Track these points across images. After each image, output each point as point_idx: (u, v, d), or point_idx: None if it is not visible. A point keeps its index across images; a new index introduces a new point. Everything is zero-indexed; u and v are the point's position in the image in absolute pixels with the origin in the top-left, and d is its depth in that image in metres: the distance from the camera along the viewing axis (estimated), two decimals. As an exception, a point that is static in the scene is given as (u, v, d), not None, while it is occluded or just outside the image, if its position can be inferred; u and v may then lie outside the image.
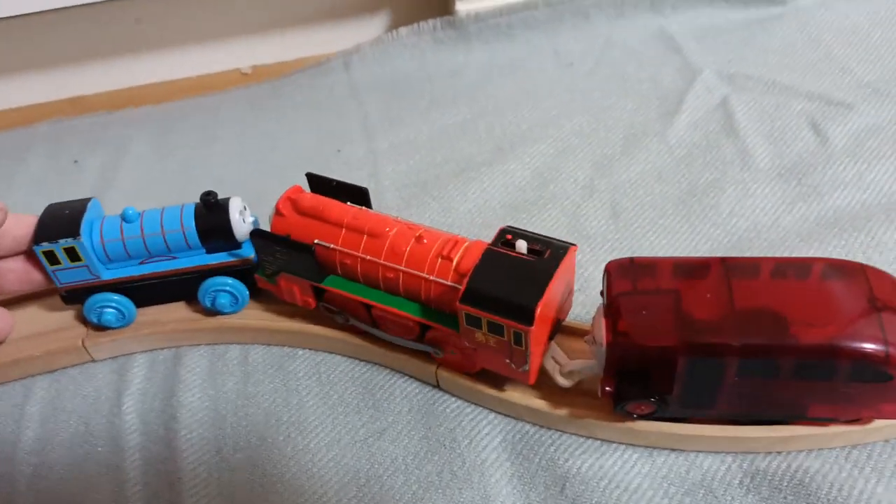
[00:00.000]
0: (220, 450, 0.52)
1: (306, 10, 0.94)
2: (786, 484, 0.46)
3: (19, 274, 0.55)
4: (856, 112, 0.73)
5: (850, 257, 0.58)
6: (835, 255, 0.59)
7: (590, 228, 0.65)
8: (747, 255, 0.60)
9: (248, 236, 0.55)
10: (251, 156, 0.80)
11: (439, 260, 0.49)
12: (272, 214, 0.54)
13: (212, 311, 0.57)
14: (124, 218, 0.54)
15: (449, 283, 0.48)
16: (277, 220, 0.54)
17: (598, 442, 0.49)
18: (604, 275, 0.47)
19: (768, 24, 0.89)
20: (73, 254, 0.53)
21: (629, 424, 0.48)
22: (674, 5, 0.91)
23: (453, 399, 0.53)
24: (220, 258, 0.56)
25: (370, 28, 0.97)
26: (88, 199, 0.55)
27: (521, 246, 0.47)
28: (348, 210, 0.52)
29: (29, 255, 0.54)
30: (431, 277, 0.49)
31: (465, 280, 0.46)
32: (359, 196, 0.55)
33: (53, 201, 0.56)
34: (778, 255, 0.60)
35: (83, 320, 0.58)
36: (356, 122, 0.82)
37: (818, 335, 0.41)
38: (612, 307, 0.45)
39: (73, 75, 0.92)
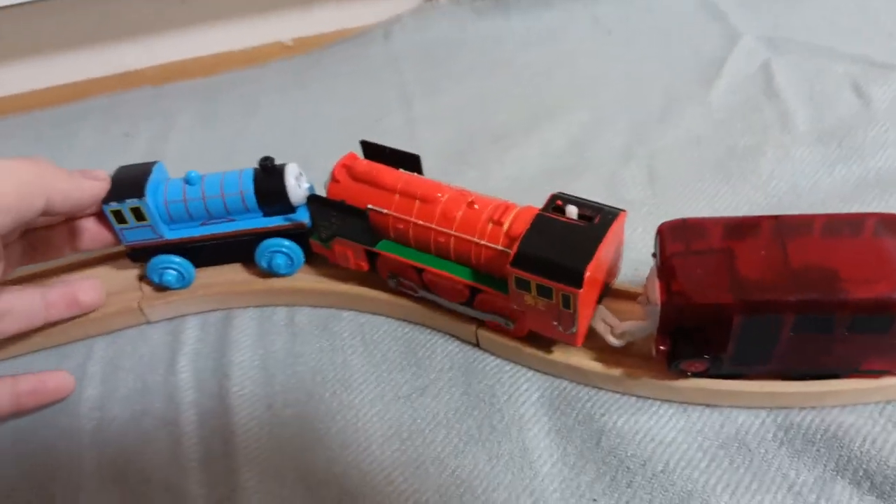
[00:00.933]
0: (271, 405, 0.54)
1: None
2: (819, 437, 0.46)
3: (92, 233, 0.58)
4: (899, 73, 0.73)
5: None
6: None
7: (627, 194, 0.66)
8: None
9: (303, 201, 0.57)
10: (293, 125, 0.81)
11: (490, 225, 0.50)
12: (328, 181, 0.56)
13: (266, 273, 0.60)
14: (187, 181, 0.57)
15: (499, 248, 0.50)
16: (333, 186, 0.56)
17: (634, 398, 0.51)
18: (656, 236, 0.48)
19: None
20: (138, 213, 0.56)
21: (664, 381, 0.49)
22: (713, -30, 0.90)
23: (492, 358, 0.55)
24: (276, 221, 0.58)
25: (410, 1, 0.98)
26: (154, 163, 0.58)
27: (572, 211, 0.48)
28: (401, 176, 0.54)
29: (100, 214, 0.57)
30: (482, 242, 0.50)
31: (516, 244, 0.47)
32: (411, 163, 0.56)
33: (109, 170, 0.59)
34: (817, 216, 0.60)
35: (141, 284, 0.61)
36: (395, 91, 0.83)
37: (872, 290, 0.42)
38: (665, 268, 0.46)
39: (123, 51, 0.95)
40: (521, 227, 0.48)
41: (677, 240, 0.46)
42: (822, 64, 0.76)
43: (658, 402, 0.50)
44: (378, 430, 0.51)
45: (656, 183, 0.66)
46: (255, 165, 0.57)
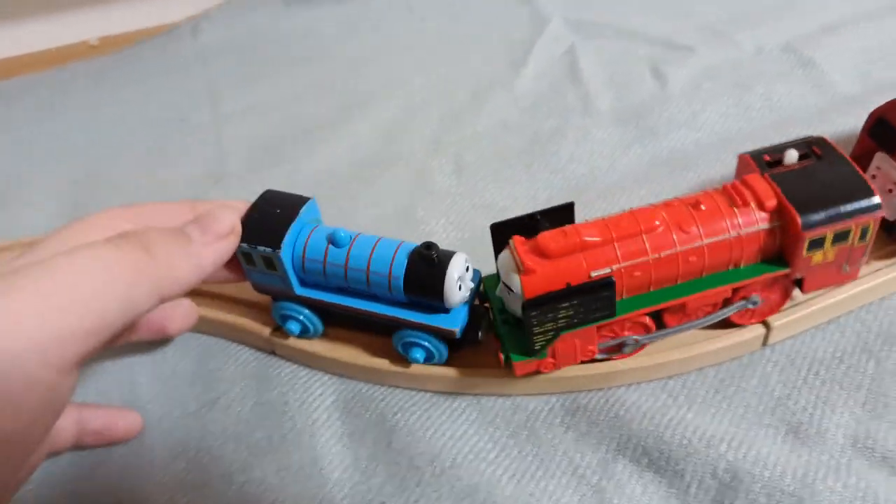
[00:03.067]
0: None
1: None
2: (603, 418, 0.47)
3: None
4: (695, 54, 0.75)
5: (677, 194, 0.59)
6: (665, 194, 0.60)
7: (434, 184, 0.65)
8: (584, 199, 0.61)
9: (460, 304, 0.47)
10: (95, 130, 0.77)
11: (736, 213, 0.44)
12: (518, 278, 0.43)
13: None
14: (333, 241, 0.47)
15: (767, 226, 0.44)
16: (530, 280, 0.43)
17: (429, 394, 0.50)
18: (876, 121, 0.50)
19: (618, -31, 0.89)
20: (269, 263, 0.47)
21: (456, 375, 0.48)
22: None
23: (288, 365, 0.53)
24: (421, 318, 0.47)
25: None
26: (307, 199, 0.48)
27: (792, 156, 0.46)
28: (597, 223, 0.44)
29: None
30: (744, 232, 0.44)
31: (788, 212, 0.43)
32: (567, 213, 0.47)
33: None
34: (612, 197, 0.61)
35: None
36: (202, 88, 0.79)
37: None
38: None
39: None
40: (767, 195, 0.44)
41: None
42: (625, 46, 0.78)
43: (453, 396, 0.50)
44: (162, 452, 0.48)
45: (463, 171, 0.66)
46: (414, 245, 0.47)
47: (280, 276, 0.47)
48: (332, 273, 0.47)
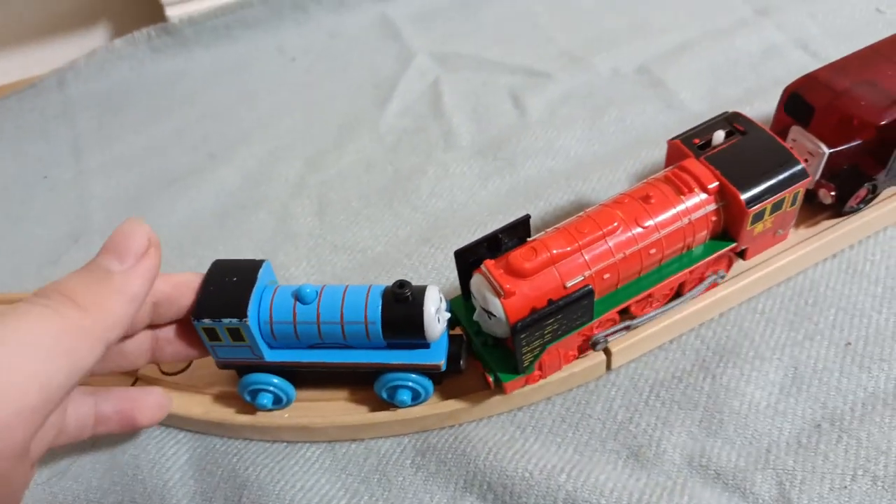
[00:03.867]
0: None
1: (17, 29, 0.89)
2: (451, 455, 0.48)
3: (176, 347, 0.46)
4: (553, 81, 0.77)
5: (542, 223, 0.61)
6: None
7: (296, 227, 0.65)
8: (441, 234, 0.62)
9: (439, 335, 0.46)
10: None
11: (682, 199, 0.47)
12: (499, 303, 0.43)
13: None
14: (299, 298, 0.45)
15: (712, 208, 0.48)
16: (512, 303, 0.43)
17: (283, 444, 0.50)
18: (789, 97, 0.54)
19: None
20: (236, 334, 0.45)
21: (307, 423, 0.48)
22: (393, -11, 0.92)
23: (142, 424, 0.52)
24: (403, 358, 0.46)
25: (88, 43, 0.93)
26: (261, 263, 0.47)
27: (719, 137, 0.50)
28: (561, 233, 0.46)
29: (186, 323, 0.46)
30: (694, 217, 0.47)
31: (730, 191, 0.47)
32: (524, 227, 0.47)
33: None
34: (467, 230, 0.62)
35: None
36: (67, 143, 0.78)
37: None
38: (836, 106, 0.51)
39: None
40: (709, 176, 0.47)
41: (820, 91, 0.53)
42: (488, 77, 0.79)
43: (307, 445, 0.50)
44: (8, 528, 0.47)
45: (325, 212, 0.66)
46: (383, 287, 0.46)
47: (249, 346, 0.45)
48: (304, 332, 0.46)
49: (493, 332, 0.46)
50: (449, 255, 0.59)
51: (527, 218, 0.47)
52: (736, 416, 0.47)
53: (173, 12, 0.86)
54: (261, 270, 0.46)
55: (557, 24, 0.85)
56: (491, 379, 0.47)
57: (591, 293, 0.44)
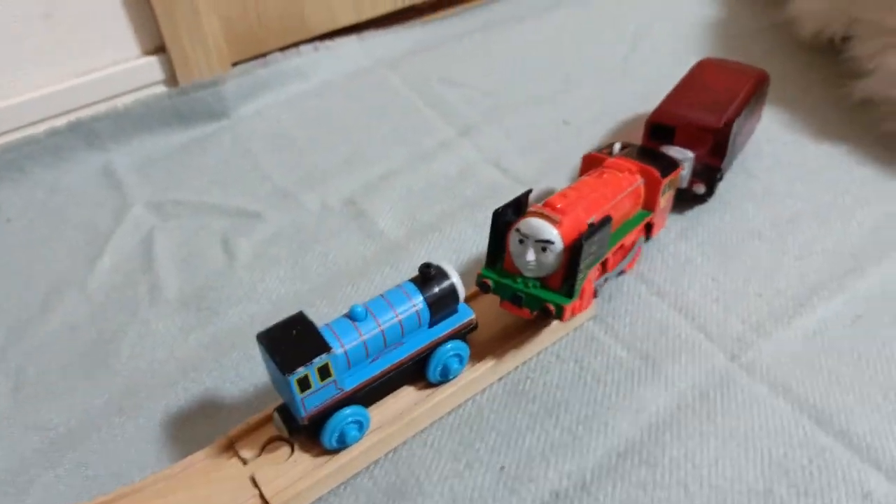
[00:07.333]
0: None
1: None
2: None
3: None
4: (263, 221, 0.80)
5: (236, 375, 0.63)
6: (224, 378, 0.63)
7: (-9, 408, 0.64)
8: (135, 401, 0.62)
9: (463, 298, 0.57)
10: None
11: (622, 177, 0.66)
12: (555, 231, 0.56)
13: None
14: (353, 317, 0.53)
15: (640, 182, 0.67)
16: (565, 228, 0.56)
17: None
18: (652, 127, 0.76)
19: (207, 141, 0.95)
20: (324, 371, 0.50)
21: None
22: (114, 138, 0.93)
23: None
24: (446, 327, 0.57)
25: None
26: (299, 314, 0.53)
27: (616, 149, 0.72)
28: (569, 191, 0.61)
29: None
30: (632, 188, 0.66)
31: (647, 169, 0.67)
32: (525, 197, 0.62)
33: None
34: (171, 394, 0.63)
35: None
36: None
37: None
38: (688, 123, 0.75)
39: None
40: (634, 164, 0.67)
41: (670, 116, 0.76)
42: (203, 222, 0.81)
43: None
44: None
45: (22, 389, 0.65)
46: (410, 280, 0.56)
47: (333, 381, 0.51)
48: (371, 344, 0.53)
49: (536, 272, 0.57)
50: (140, 424, 0.60)
51: (529, 190, 0.62)
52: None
53: None
54: (304, 316, 0.52)
55: (274, 162, 0.90)
56: (552, 307, 0.56)
57: (611, 220, 0.58)
